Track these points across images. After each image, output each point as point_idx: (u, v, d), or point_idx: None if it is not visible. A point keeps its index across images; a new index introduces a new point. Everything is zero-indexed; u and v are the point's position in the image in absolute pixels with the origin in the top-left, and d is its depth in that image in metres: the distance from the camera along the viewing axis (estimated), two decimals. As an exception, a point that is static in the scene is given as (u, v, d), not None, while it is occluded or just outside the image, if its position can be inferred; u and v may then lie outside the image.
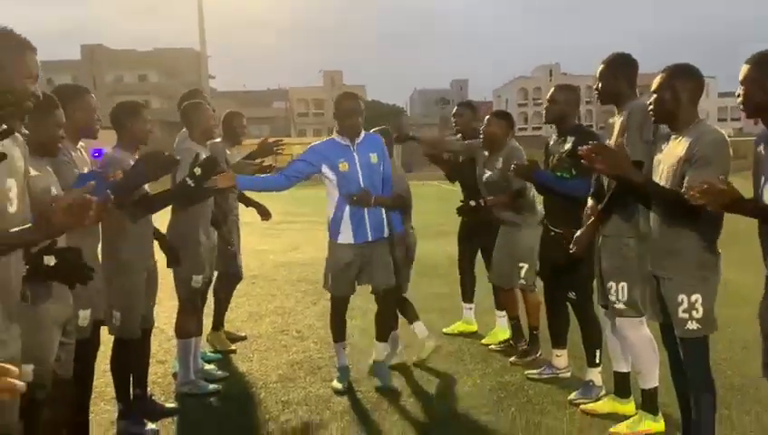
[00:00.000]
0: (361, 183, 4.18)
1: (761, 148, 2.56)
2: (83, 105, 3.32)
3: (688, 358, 3.03)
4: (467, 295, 5.67)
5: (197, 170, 3.69)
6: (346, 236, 4.23)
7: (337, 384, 4.37)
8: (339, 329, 4.48)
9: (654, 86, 3.08)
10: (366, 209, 4.20)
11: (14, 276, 2.14)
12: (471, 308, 5.68)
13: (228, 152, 4.95)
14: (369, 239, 4.24)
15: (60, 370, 2.82)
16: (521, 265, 4.76)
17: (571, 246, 3.67)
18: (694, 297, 2.97)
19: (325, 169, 4.22)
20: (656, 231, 3.12)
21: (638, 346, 3.57)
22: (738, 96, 2.61)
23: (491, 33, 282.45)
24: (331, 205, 4.28)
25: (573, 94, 4.17)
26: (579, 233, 3.66)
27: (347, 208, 4.20)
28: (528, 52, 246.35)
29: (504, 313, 5.31)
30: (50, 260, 2.38)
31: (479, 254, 5.51)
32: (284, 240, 11.69)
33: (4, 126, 2.01)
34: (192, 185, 3.70)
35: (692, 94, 3.03)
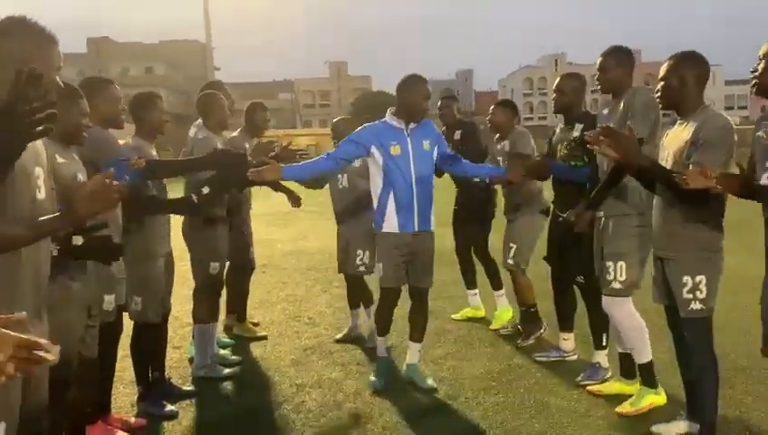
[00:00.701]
0: (412, 170, 3.98)
1: (761, 132, 2.64)
2: (109, 96, 3.45)
3: (692, 337, 3.12)
4: (470, 282, 5.78)
5: (205, 189, 3.76)
6: (390, 225, 4.03)
7: (373, 378, 4.21)
8: (386, 323, 4.22)
9: (662, 73, 3.17)
10: (415, 197, 3.99)
11: (44, 259, 2.24)
12: (476, 294, 5.79)
13: (247, 145, 5.03)
14: (416, 230, 4.03)
15: (85, 351, 2.94)
16: (510, 244, 4.89)
17: (575, 227, 3.78)
18: (698, 278, 3.06)
19: (374, 150, 4.01)
20: (660, 214, 3.21)
21: (625, 323, 3.67)
22: (754, 72, 2.68)
23: (496, 22, 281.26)
24: (375, 191, 4.09)
25: (580, 83, 4.25)
26: (575, 214, 3.80)
27: (391, 195, 3.99)
28: (533, 41, 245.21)
29: (502, 292, 5.48)
30: (78, 240, 2.49)
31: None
32: (292, 230, 11.81)
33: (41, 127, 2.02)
34: (196, 202, 3.77)
35: (698, 80, 3.12)
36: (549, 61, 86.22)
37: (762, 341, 2.75)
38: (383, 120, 4.09)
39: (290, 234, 11.39)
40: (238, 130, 5.32)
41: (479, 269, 5.70)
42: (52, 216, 2.09)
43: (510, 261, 4.96)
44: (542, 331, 4.93)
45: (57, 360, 1.50)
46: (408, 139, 4.01)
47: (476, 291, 5.81)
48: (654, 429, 3.40)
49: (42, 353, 1.34)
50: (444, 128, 5.66)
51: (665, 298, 3.26)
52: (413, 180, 3.98)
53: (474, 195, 5.38)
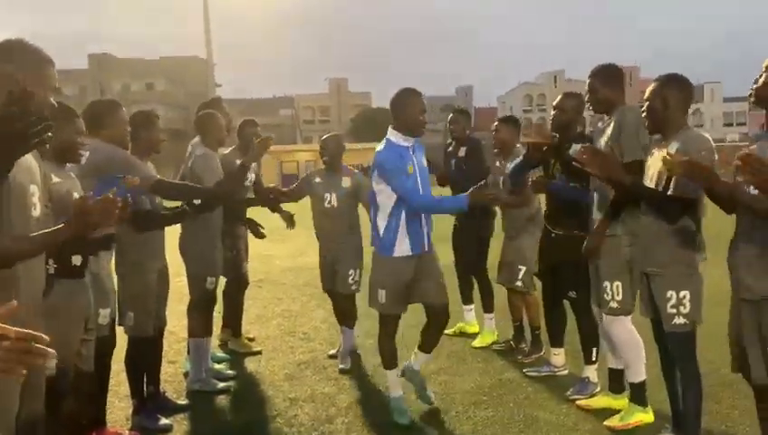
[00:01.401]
0: (419, 189, 3.82)
1: (756, 146, 2.70)
2: (118, 118, 3.60)
3: (676, 351, 3.19)
4: (467, 298, 5.83)
5: (197, 201, 3.96)
6: (403, 249, 3.82)
7: (400, 419, 3.89)
8: (391, 353, 3.99)
9: (646, 95, 3.26)
10: (423, 216, 3.86)
11: (40, 275, 2.31)
12: (471, 309, 5.84)
13: (238, 162, 5.11)
14: (426, 249, 3.89)
15: (81, 364, 3.01)
16: (519, 266, 4.93)
17: (584, 251, 3.71)
18: (682, 293, 3.13)
19: None
20: (645, 231, 3.28)
21: (624, 342, 3.72)
22: (755, 82, 2.75)
23: (496, 39, 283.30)
24: (383, 216, 3.85)
25: (579, 101, 4.29)
26: (588, 240, 3.72)
27: (403, 216, 3.80)
28: (533, 58, 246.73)
29: (492, 315, 5.51)
30: (77, 260, 2.57)
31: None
32: (290, 246, 11.86)
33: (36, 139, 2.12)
34: (189, 212, 3.95)
35: (681, 103, 3.20)
36: (548, 78, 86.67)
37: (731, 360, 2.85)
38: (394, 141, 3.85)
39: (288, 250, 11.45)
40: (230, 148, 5.42)
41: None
42: (52, 229, 2.16)
43: (519, 283, 5.00)
44: (542, 353, 4.97)
45: (53, 367, 1.57)
46: (414, 157, 3.86)
47: (472, 307, 5.87)
48: (639, 442, 3.46)
49: (40, 346, 1.39)
50: (452, 142, 5.73)
51: (651, 312, 3.33)
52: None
53: (474, 212, 5.37)
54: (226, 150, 5.38)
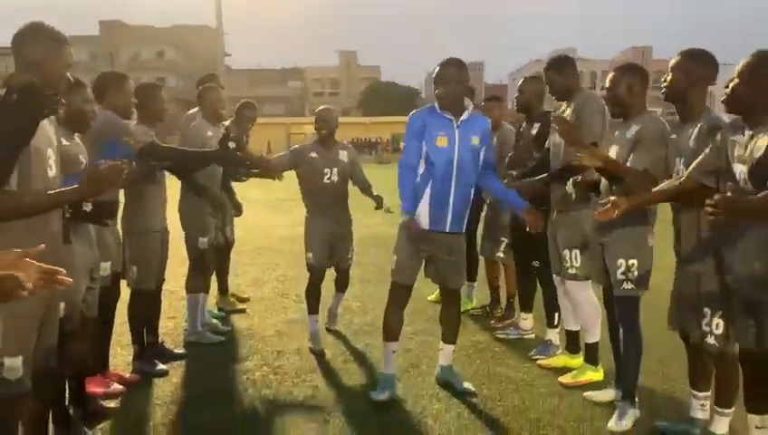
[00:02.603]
0: (455, 166, 3.72)
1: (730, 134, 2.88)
2: (124, 90, 3.96)
3: (622, 315, 3.55)
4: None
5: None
6: (421, 220, 3.78)
7: (378, 395, 3.83)
8: (394, 324, 3.94)
9: (607, 83, 3.56)
10: (452, 195, 3.75)
11: (57, 224, 2.67)
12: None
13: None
14: (447, 230, 3.80)
15: (86, 310, 3.39)
16: (502, 239, 5.28)
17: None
18: (631, 262, 3.47)
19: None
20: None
21: (583, 306, 4.08)
22: (726, 87, 2.87)
23: (508, 14, 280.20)
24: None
25: (540, 85, 4.63)
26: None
27: (428, 189, 3.75)
28: (545, 35, 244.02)
29: (474, 283, 5.88)
30: (87, 206, 2.97)
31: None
32: (291, 216, 12.23)
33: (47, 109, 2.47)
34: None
35: (640, 88, 3.51)
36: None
37: (668, 317, 3.21)
38: (432, 105, 3.83)
39: (288, 220, 11.82)
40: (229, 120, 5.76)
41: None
42: (68, 188, 2.52)
43: (501, 254, 5.36)
44: (514, 319, 5.32)
45: (61, 315, 1.94)
46: (457, 131, 3.75)
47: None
48: (586, 394, 3.85)
49: (60, 277, 1.75)
50: None
51: (604, 280, 3.68)
52: (454, 176, 3.75)
53: None
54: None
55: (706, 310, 3.02)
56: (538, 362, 4.45)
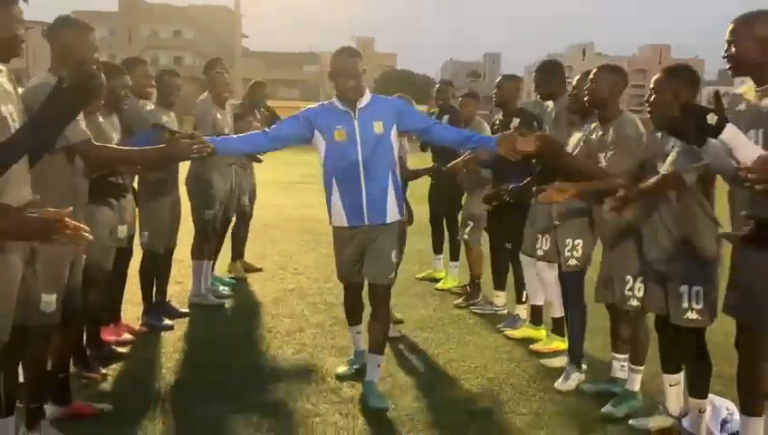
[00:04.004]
0: (359, 158, 3.57)
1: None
2: (142, 74, 4.48)
3: (567, 288, 4.03)
4: (437, 248, 6.69)
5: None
6: (339, 219, 3.69)
7: (341, 368, 4.08)
8: (351, 313, 4.10)
9: (588, 81, 3.88)
10: (364, 187, 3.60)
11: (84, 187, 3.17)
12: (440, 259, 6.71)
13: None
14: (366, 223, 3.65)
15: (105, 265, 3.91)
16: (468, 222, 5.73)
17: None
18: (577, 241, 3.94)
19: (317, 136, 3.63)
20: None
21: (550, 284, 4.55)
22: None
23: (528, 7, 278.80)
24: (323, 181, 3.73)
25: (516, 82, 5.09)
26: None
27: (336, 185, 3.64)
28: (563, 31, 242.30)
29: (457, 263, 6.34)
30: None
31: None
32: (299, 197, 12.77)
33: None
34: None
35: (616, 88, 3.70)
36: (577, 50, 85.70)
37: (595, 291, 3.74)
38: (329, 101, 3.75)
39: (296, 201, 12.35)
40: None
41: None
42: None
43: (465, 236, 5.82)
44: (479, 299, 5.73)
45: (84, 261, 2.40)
46: (356, 122, 3.59)
47: (441, 257, 6.73)
48: (540, 360, 4.34)
49: (85, 234, 2.22)
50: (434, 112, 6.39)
51: (556, 257, 4.15)
52: (361, 169, 3.58)
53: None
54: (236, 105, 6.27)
55: (629, 277, 3.49)
56: (504, 332, 4.93)
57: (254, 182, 6.64)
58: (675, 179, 2.99)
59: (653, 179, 3.07)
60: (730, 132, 2.34)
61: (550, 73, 4.56)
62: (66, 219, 2.10)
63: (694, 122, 2.40)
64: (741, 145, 2.33)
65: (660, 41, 69.81)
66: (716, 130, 2.34)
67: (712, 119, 2.35)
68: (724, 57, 2.70)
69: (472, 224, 5.69)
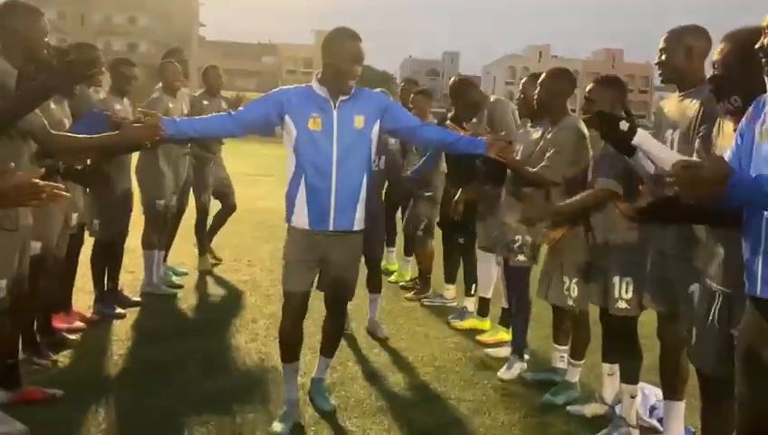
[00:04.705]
0: (334, 152, 3.15)
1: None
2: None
3: (513, 284, 4.22)
4: (389, 240, 6.80)
5: None
6: (300, 219, 3.23)
7: (277, 426, 3.26)
8: (289, 341, 3.37)
9: (538, 88, 4.02)
10: (334, 186, 3.16)
11: (31, 171, 3.16)
12: (392, 252, 6.84)
13: (206, 102, 5.93)
14: (330, 229, 3.21)
15: (57, 252, 3.90)
16: (422, 218, 5.86)
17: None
18: (526, 238, 4.12)
19: (288, 121, 3.18)
20: (509, 192, 4.25)
21: (492, 278, 4.74)
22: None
23: (486, 9, 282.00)
24: (287, 174, 3.27)
25: (474, 89, 5.23)
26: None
27: (302, 181, 3.19)
28: (520, 32, 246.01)
29: (410, 258, 6.48)
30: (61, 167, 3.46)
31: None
32: (256, 190, 12.74)
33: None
34: None
35: (563, 92, 3.89)
36: (534, 51, 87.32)
37: (538, 287, 3.92)
38: (308, 84, 3.30)
39: (252, 193, 12.29)
40: (200, 91, 6.31)
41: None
42: None
43: (420, 232, 5.94)
44: (429, 293, 5.87)
45: (39, 248, 2.45)
46: (335, 112, 3.17)
47: (393, 249, 6.87)
48: (486, 350, 4.52)
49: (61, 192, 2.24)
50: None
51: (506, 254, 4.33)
52: (333, 164, 3.16)
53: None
54: (196, 93, 6.28)
55: (565, 278, 3.68)
56: (452, 323, 5.10)
57: (226, 175, 6.53)
58: (609, 193, 3.22)
59: (585, 194, 3.35)
60: (640, 136, 2.60)
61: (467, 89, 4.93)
62: (39, 182, 2.14)
63: (608, 130, 2.64)
64: (652, 147, 2.60)
65: (613, 44, 71.61)
66: (629, 136, 2.59)
67: (624, 126, 2.60)
68: (656, 64, 2.92)
69: (426, 221, 5.80)
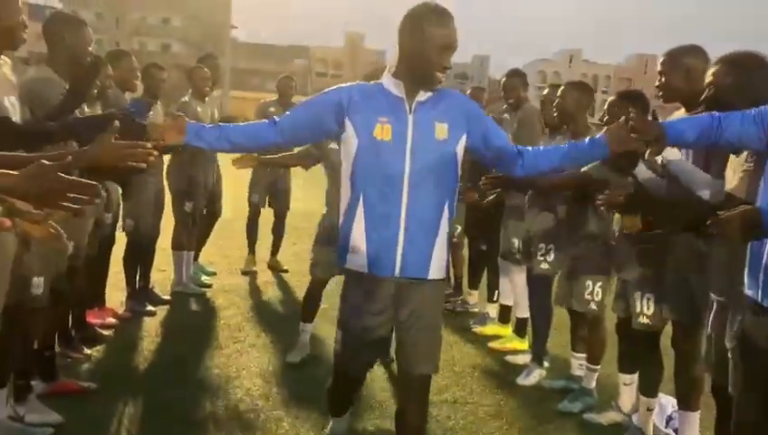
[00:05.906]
0: (406, 168, 2.36)
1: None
2: (127, 66, 4.59)
3: (534, 290, 4.27)
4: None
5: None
6: (356, 258, 2.45)
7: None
8: (340, 404, 2.94)
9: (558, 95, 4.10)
10: (404, 214, 2.37)
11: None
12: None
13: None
14: (398, 274, 2.41)
15: (90, 250, 4.06)
16: (456, 226, 5.93)
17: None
18: (549, 246, 4.15)
19: (349, 127, 2.42)
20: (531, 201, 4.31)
21: (519, 286, 4.78)
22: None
23: (518, 12, 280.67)
24: (343, 197, 2.50)
25: (481, 93, 5.30)
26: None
27: (359, 206, 2.42)
28: (552, 34, 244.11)
29: None
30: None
31: None
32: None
33: None
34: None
35: (582, 104, 3.90)
36: (565, 56, 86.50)
37: (555, 296, 3.97)
38: (375, 81, 2.54)
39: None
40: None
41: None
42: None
43: (455, 239, 6.01)
44: (460, 297, 5.94)
45: (71, 252, 2.57)
46: (411, 117, 2.41)
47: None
48: (506, 357, 4.58)
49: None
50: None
51: (528, 262, 4.39)
52: (405, 186, 2.38)
53: None
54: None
55: (588, 282, 3.72)
56: (473, 329, 5.16)
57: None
58: None
59: None
60: (669, 153, 2.71)
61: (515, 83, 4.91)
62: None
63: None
64: (681, 167, 2.65)
65: (646, 50, 70.88)
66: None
67: (643, 173, 2.90)
68: (656, 87, 2.97)
69: (459, 228, 5.86)
